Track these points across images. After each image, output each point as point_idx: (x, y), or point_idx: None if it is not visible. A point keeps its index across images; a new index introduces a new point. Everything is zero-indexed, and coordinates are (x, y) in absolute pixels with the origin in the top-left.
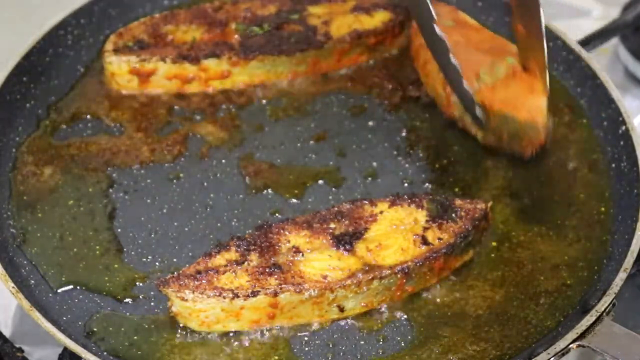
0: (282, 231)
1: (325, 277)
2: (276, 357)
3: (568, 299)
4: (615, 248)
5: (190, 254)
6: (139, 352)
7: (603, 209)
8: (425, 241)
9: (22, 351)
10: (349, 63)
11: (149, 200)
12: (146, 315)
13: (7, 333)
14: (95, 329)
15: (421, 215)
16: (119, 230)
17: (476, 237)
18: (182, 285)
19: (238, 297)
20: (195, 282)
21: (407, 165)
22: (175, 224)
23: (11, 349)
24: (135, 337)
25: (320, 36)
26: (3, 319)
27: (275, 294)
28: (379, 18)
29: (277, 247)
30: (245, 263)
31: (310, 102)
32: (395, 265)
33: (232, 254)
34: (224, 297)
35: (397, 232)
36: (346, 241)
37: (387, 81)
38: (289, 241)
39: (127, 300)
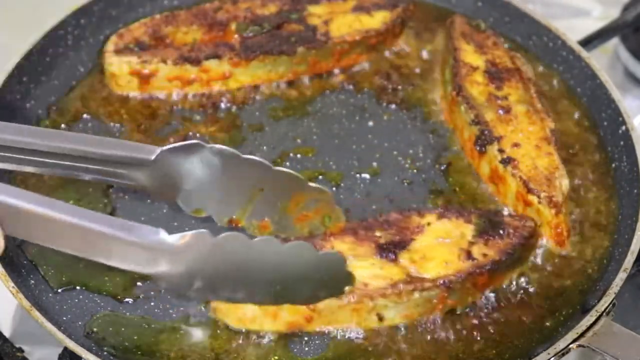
0: (326, 236)
1: (366, 284)
2: (276, 358)
3: (568, 299)
4: (615, 248)
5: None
6: (139, 352)
7: (603, 209)
8: (470, 256)
9: (22, 351)
10: (349, 63)
11: (149, 200)
12: (146, 315)
13: (7, 333)
14: (95, 329)
15: (468, 230)
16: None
17: (523, 254)
18: None
19: None
20: None
21: (407, 166)
22: (176, 224)
23: (11, 349)
24: (135, 337)
25: (321, 36)
26: (3, 319)
27: None
28: (379, 18)
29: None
30: None
31: (310, 102)
32: (438, 278)
33: None
34: None
35: (442, 245)
36: (390, 250)
37: (387, 81)
38: (333, 246)
39: (127, 300)
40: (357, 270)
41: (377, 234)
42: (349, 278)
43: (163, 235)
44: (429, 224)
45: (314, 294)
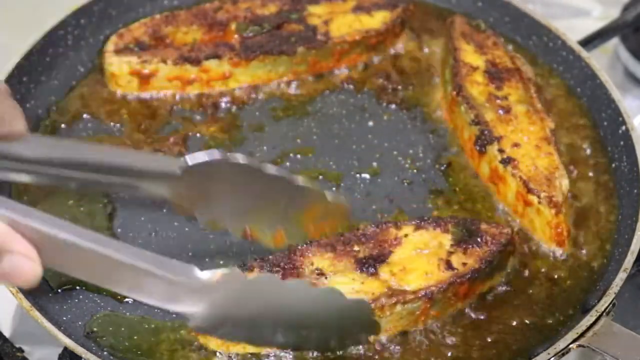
0: (305, 253)
1: None
2: None
3: (568, 299)
4: (615, 248)
5: (190, 254)
6: (139, 352)
7: (603, 209)
8: (449, 266)
9: (22, 351)
10: (349, 63)
11: (149, 201)
12: (146, 315)
13: (7, 333)
14: (95, 329)
15: (446, 240)
16: (119, 230)
17: (502, 261)
18: None
19: None
20: None
21: (407, 166)
22: (176, 224)
23: (11, 349)
24: (135, 337)
25: (321, 36)
26: (3, 319)
27: None
28: (379, 18)
29: (300, 269)
30: None
31: (310, 102)
32: (419, 290)
33: (255, 275)
34: None
35: (421, 256)
36: (370, 264)
37: (387, 81)
38: (312, 263)
39: (127, 300)
40: (338, 286)
41: (356, 248)
42: (374, 327)
43: (195, 271)
44: (406, 235)
45: (338, 341)
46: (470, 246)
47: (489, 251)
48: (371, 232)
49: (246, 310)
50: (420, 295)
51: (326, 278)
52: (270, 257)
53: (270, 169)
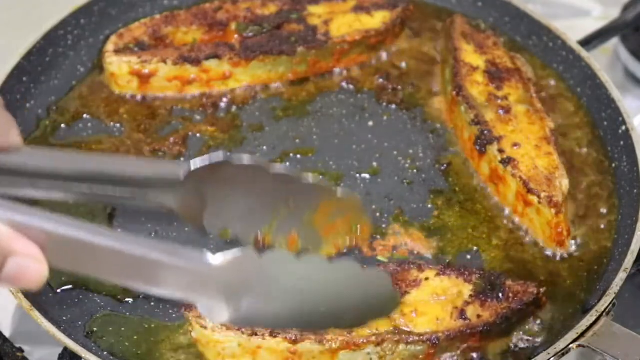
0: None
1: (350, 331)
2: None
3: (568, 299)
4: (615, 248)
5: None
6: (139, 352)
7: (603, 209)
8: (462, 315)
9: (22, 351)
10: (349, 63)
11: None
12: (146, 315)
13: (7, 333)
14: (95, 329)
15: (466, 289)
16: (119, 230)
17: (521, 320)
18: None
19: (257, 335)
20: None
21: (407, 166)
22: (176, 223)
23: (11, 349)
24: (135, 337)
25: (321, 36)
26: (3, 319)
27: (295, 341)
28: (379, 18)
29: None
30: None
31: (310, 102)
32: (425, 334)
33: None
34: (243, 333)
35: (437, 302)
36: None
37: (387, 81)
38: None
39: (127, 300)
40: None
41: None
42: (395, 298)
43: (206, 256)
44: (427, 279)
45: (360, 315)
46: (490, 300)
47: (508, 307)
48: (392, 270)
49: (263, 291)
50: (424, 339)
51: None
52: None
53: (276, 167)
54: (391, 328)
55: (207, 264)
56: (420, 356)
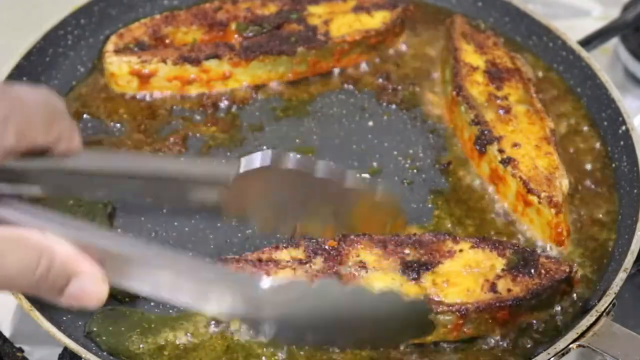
0: (355, 244)
1: None
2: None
3: (568, 299)
4: (615, 248)
5: (190, 254)
6: (139, 352)
7: (603, 209)
8: (493, 288)
9: (22, 351)
10: (349, 63)
11: (149, 200)
12: (146, 315)
13: (7, 333)
14: (95, 329)
15: (499, 263)
16: (119, 230)
17: (551, 298)
18: (239, 268)
19: None
20: (253, 269)
21: (407, 166)
22: (175, 223)
23: (11, 349)
24: (135, 337)
25: (321, 36)
26: (3, 319)
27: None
28: (379, 18)
29: (344, 257)
30: (308, 264)
31: (310, 102)
32: (455, 304)
33: (299, 252)
34: None
35: (469, 273)
36: (414, 269)
37: (387, 81)
38: (358, 255)
39: (127, 300)
40: (375, 283)
41: (407, 251)
42: (430, 326)
43: (258, 281)
44: (461, 250)
45: (396, 339)
46: (522, 274)
47: (539, 284)
48: (427, 240)
49: (305, 315)
50: (454, 310)
51: (366, 272)
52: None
53: (320, 169)
54: (421, 296)
55: (259, 289)
56: (449, 326)
